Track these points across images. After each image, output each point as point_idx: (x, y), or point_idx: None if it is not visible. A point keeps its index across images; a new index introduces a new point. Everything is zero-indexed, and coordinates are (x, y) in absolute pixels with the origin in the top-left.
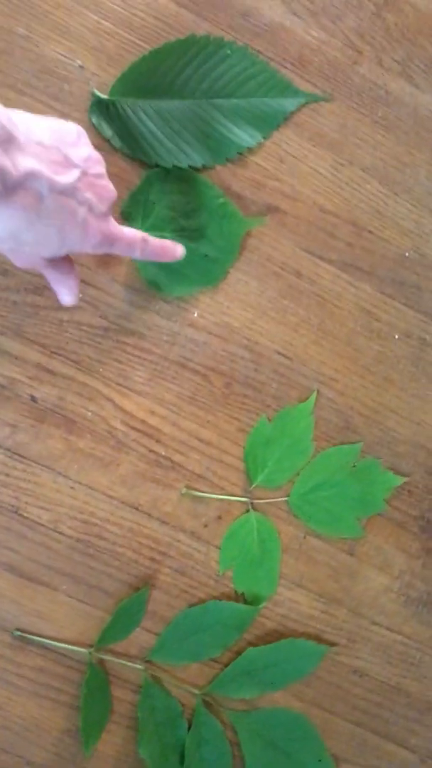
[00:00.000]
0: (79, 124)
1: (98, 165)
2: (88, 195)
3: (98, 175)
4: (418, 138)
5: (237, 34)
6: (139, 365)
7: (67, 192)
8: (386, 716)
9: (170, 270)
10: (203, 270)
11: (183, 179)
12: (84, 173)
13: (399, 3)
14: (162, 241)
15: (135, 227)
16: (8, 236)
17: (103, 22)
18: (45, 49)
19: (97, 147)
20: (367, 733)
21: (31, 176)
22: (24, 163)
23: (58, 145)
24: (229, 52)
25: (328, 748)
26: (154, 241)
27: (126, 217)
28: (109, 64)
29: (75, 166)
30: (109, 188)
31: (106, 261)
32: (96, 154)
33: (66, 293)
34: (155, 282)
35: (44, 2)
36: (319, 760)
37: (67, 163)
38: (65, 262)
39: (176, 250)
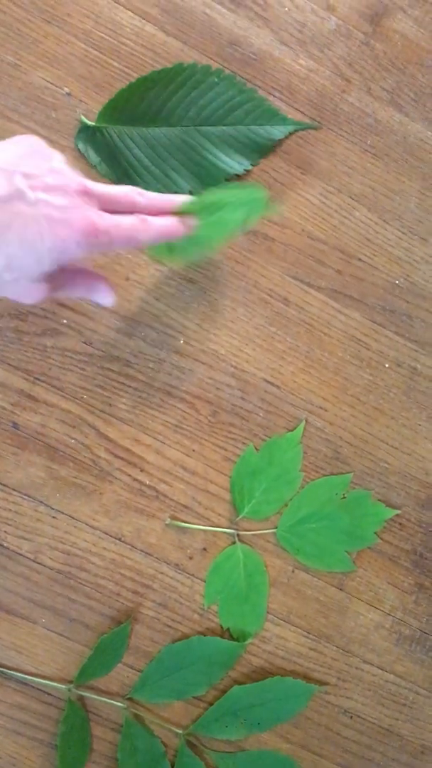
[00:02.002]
0: (65, 150)
1: (49, 161)
2: (39, 193)
3: (50, 171)
4: (407, 166)
5: (225, 63)
6: (124, 392)
7: (13, 197)
8: (378, 760)
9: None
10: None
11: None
12: (29, 176)
13: (388, 32)
14: (165, 219)
15: None
16: None
17: (91, 50)
18: (33, 77)
19: (83, 173)
20: None
21: None
22: None
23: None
24: (216, 80)
25: None
26: (156, 220)
27: None
28: (96, 92)
29: (17, 172)
30: (68, 179)
31: None
32: (50, 154)
33: (99, 297)
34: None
35: (33, 31)
36: None
37: (7, 171)
38: (68, 272)
39: (183, 224)
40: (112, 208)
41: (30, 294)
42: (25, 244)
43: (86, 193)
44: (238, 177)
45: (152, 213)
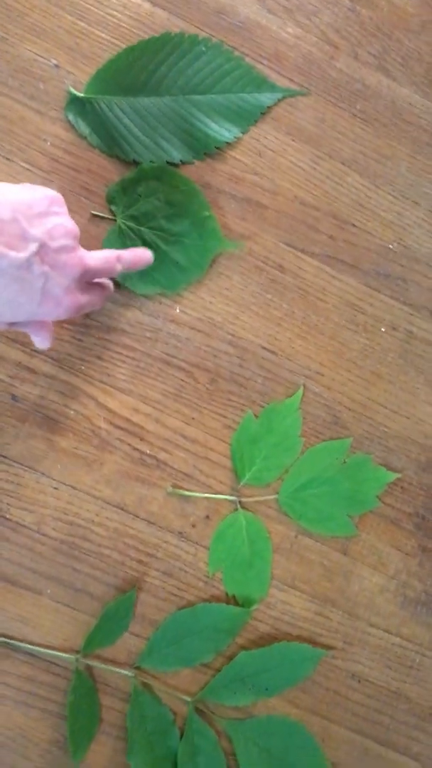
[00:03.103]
0: (56, 123)
1: (64, 237)
2: (46, 268)
3: (61, 248)
4: (397, 130)
5: (212, 32)
6: (122, 362)
7: (21, 266)
8: (386, 723)
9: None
10: (169, 275)
11: (175, 183)
12: (43, 246)
13: None
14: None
15: (116, 212)
16: None
17: (78, 22)
18: (20, 50)
19: (72, 144)
20: (367, 741)
21: None
22: None
23: (18, 218)
24: (203, 48)
25: (327, 756)
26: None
27: (109, 200)
28: (84, 63)
29: (33, 239)
30: (74, 261)
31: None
32: (66, 226)
33: (38, 341)
34: (121, 278)
35: (19, 3)
36: None
37: (24, 237)
38: (32, 323)
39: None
40: (96, 276)
41: None
42: (14, 305)
43: (84, 274)
44: (227, 144)
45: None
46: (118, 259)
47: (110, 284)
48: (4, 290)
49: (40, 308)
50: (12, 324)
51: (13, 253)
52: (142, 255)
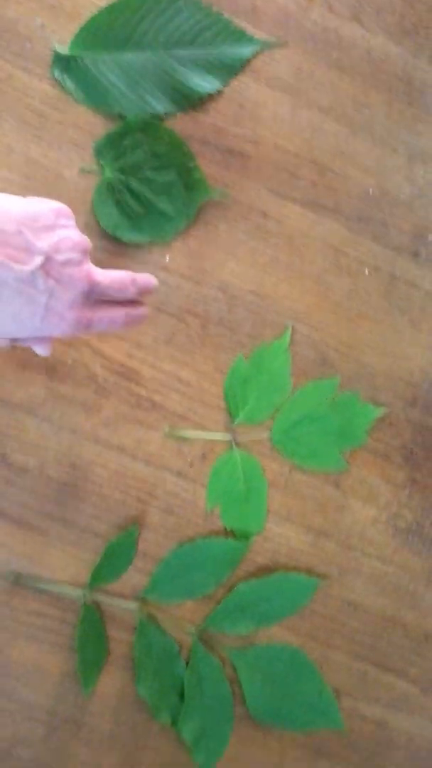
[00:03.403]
0: (42, 80)
1: (71, 250)
2: (51, 283)
3: (68, 262)
4: (373, 79)
5: None
6: None
7: (25, 280)
8: (384, 648)
9: (128, 218)
10: (157, 225)
11: (160, 135)
12: (48, 260)
13: None
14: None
15: (104, 165)
16: None
17: None
18: (5, 10)
19: (60, 100)
20: (366, 666)
21: None
22: None
23: (23, 230)
24: (182, 4)
25: (327, 681)
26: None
27: (97, 154)
28: (68, 21)
29: (38, 252)
30: (81, 275)
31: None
32: (73, 239)
33: (39, 350)
34: (111, 228)
35: None
36: (319, 694)
37: (30, 251)
38: (34, 338)
39: (152, 281)
40: (106, 295)
41: None
42: (17, 320)
43: (91, 290)
44: (209, 96)
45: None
46: (133, 282)
47: (142, 308)
48: (8, 305)
49: (44, 324)
50: (14, 340)
51: (17, 267)
52: (149, 281)
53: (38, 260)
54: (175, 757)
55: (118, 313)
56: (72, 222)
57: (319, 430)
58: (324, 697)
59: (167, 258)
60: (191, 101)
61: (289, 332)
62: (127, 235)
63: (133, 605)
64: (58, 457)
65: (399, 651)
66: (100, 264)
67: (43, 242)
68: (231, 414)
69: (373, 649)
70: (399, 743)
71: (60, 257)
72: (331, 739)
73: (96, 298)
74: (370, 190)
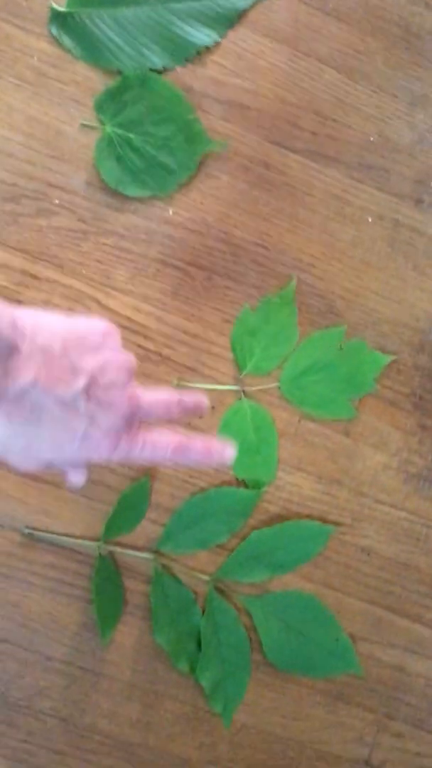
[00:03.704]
0: (40, 37)
1: (115, 372)
2: (92, 407)
3: (110, 384)
4: (370, 26)
5: None
6: (120, 264)
7: (67, 403)
8: (398, 593)
9: (130, 172)
10: (160, 178)
11: (159, 89)
12: (93, 383)
13: None
14: (202, 443)
15: (104, 120)
16: None
17: None
18: None
19: (58, 57)
20: (380, 611)
21: (27, 389)
22: (23, 376)
23: (69, 352)
24: None
25: (343, 627)
26: (194, 444)
27: (97, 109)
28: None
29: (82, 374)
30: (123, 399)
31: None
32: (118, 360)
33: (73, 478)
34: (113, 183)
35: None
36: (336, 640)
37: (74, 372)
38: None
39: (226, 450)
40: (151, 413)
41: (26, 467)
42: (54, 445)
43: (133, 413)
44: (207, 49)
45: (186, 414)
46: (179, 402)
47: (198, 443)
48: (46, 429)
49: (81, 450)
50: (49, 465)
51: (60, 389)
52: (200, 402)
53: (82, 383)
54: (193, 705)
55: (164, 441)
56: (118, 342)
57: (327, 379)
58: (341, 643)
59: (170, 211)
60: (189, 54)
61: (294, 282)
62: (130, 190)
63: (147, 556)
64: None
65: (414, 596)
66: (103, 219)
67: (89, 364)
68: (239, 365)
69: (387, 595)
70: (416, 687)
71: (104, 380)
72: (348, 685)
73: (140, 420)
74: (372, 138)
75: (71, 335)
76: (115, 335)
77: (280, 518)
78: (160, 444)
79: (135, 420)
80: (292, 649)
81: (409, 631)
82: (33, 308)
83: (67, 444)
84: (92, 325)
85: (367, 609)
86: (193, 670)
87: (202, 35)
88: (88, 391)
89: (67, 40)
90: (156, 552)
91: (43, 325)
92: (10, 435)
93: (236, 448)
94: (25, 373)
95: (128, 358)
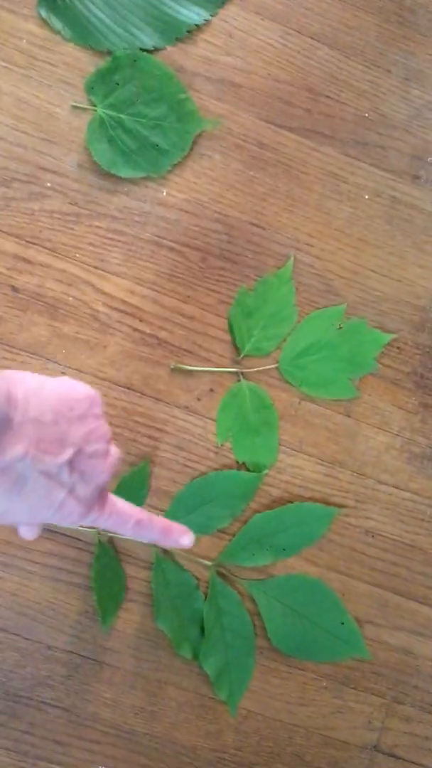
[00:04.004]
0: (28, 20)
1: (99, 441)
2: (75, 477)
3: (94, 453)
4: (362, 1)
5: None
6: (114, 247)
7: (52, 475)
8: (404, 575)
9: (122, 154)
10: (152, 159)
11: (150, 69)
12: (78, 452)
13: None
14: (164, 522)
15: (95, 101)
16: None
17: None
18: None
19: (47, 39)
20: (386, 593)
21: (16, 462)
22: (14, 450)
23: (59, 421)
24: None
25: (349, 610)
26: (156, 521)
27: (88, 91)
28: None
29: (70, 446)
30: (102, 469)
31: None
32: (102, 429)
33: (26, 533)
34: (106, 164)
35: None
36: (342, 623)
37: (62, 444)
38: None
39: (184, 536)
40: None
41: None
42: (30, 511)
43: (106, 481)
44: (198, 27)
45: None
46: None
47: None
48: (26, 497)
49: (54, 517)
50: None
51: (48, 461)
52: (174, 529)
53: (69, 452)
54: (198, 693)
55: (128, 513)
56: (101, 410)
57: (327, 359)
58: (347, 627)
59: (164, 192)
60: (179, 33)
61: (291, 261)
62: (123, 171)
63: (148, 542)
64: None
65: (420, 577)
66: (96, 201)
67: (76, 435)
68: (237, 346)
69: (393, 577)
70: (424, 670)
71: (89, 448)
72: (355, 669)
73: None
74: (366, 114)
75: (61, 405)
76: (99, 402)
77: (282, 501)
78: (124, 515)
79: (105, 491)
80: (297, 633)
81: (416, 614)
82: (21, 372)
83: (44, 511)
84: (79, 392)
85: (372, 592)
86: (196, 656)
87: (192, 14)
88: (72, 462)
89: (56, 22)
90: None
91: (34, 393)
92: None
93: (236, 431)
94: (17, 447)
95: (108, 428)
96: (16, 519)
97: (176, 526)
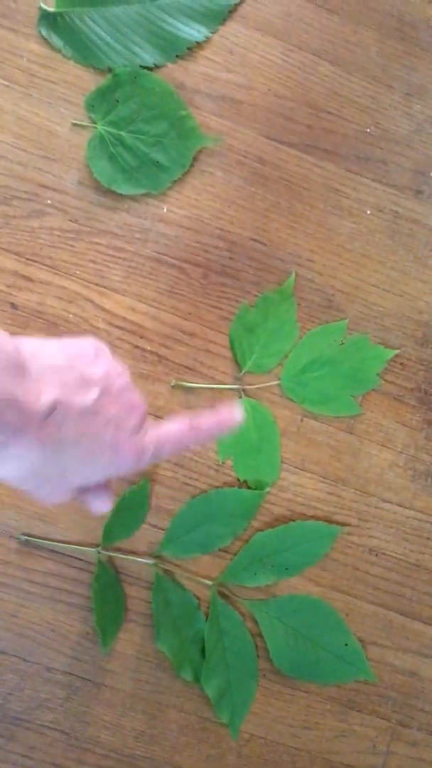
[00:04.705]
0: (29, 39)
1: (120, 377)
2: (113, 411)
3: (122, 389)
4: (362, 17)
5: None
6: (115, 264)
7: (89, 414)
8: (409, 594)
9: (123, 171)
10: (153, 176)
11: (150, 86)
12: (106, 390)
13: None
14: (215, 413)
15: (95, 119)
16: (27, 475)
17: None
18: None
19: (48, 57)
20: (391, 614)
21: (53, 407)
22: (44, 396)
23: (73, 365)
24: None
25: (353, 631)
26: (205, 420)
27: (88, 108)
28: None
29: (94, 384)
30: (136, 400)
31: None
32: (117, 367)
33: (98, 505)
34: (107, 181)
35: None
36: (346, 644)
37: (86, 382)
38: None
39: (232, 413)
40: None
41: (53, 496)
42: (86, 461)
43: (144, 414)
44: (198, 44)
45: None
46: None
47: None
48: (75, 447)
49: (111, 464)
50: (81, 491)
51: (80, 400)
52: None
53: (96, 390)
54: (199, 716)
55: (177, 430)
56: (110, 355)
57: (329, 375)
58: (350, 648)
59: (164, 209)
60: (180, 50)
61: (293, 277)
62: (123, 188)
63: (148, 561)
64: None
65: (425, 597)
66: (96, 218)
67: (96, 373)
68: (238, 363)
69: (397, 597)
70: (431, 692)
71: (114, 384)
72: (359, 691)
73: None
74: (368, 129)
75: (68, 353)
76: (106, 349)
77: (285, 519)
78: (176, 431)
79: (146, 424)
80: (300, 655)
81: (421, 635)
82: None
83: (100, 459)
84: (83, 343)
85: (376, 612)
86: (197, 678)
87: (192, 31)
88: (104, 400)
89: (56, 40)
90: (157, 557)
91: (40, 347)
92: (44, 463)
93: (238, 448)
94: (46, 393)
95: (125, 366)
96: (75, 477)
97: (220, 407)
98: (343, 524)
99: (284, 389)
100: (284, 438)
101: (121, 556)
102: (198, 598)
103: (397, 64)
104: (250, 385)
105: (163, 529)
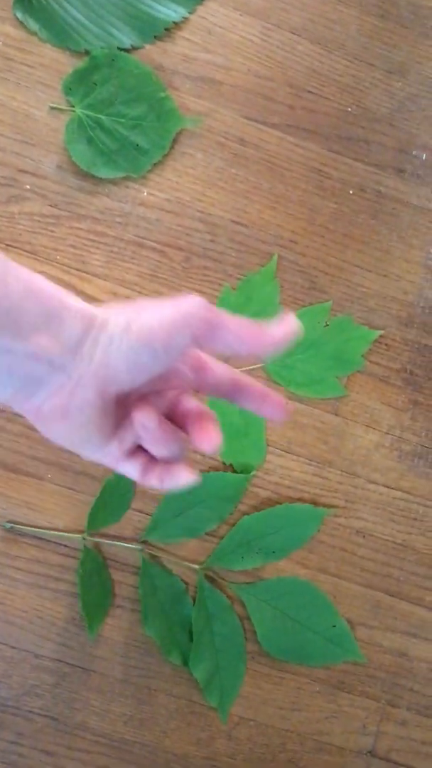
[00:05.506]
0: (5, 22)
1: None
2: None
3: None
4: None
5: None
6: (95, 249)
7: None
8: (396, 575)
9: (102, 154)
10: (132, 159)
11: (128, 68)
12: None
13: None
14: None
15: (73, 102)
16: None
17: None
18: None
19: (24, 41)
20: (379, 594)
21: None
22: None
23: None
24: None
25: (341, 613)
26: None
27: (66, 92)
28: None
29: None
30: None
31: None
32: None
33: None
34: (86, 165)
35: None
36: (334, 626)
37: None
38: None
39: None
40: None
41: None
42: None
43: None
44: (176, 25)
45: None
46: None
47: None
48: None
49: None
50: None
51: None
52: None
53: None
54: (188, 699)
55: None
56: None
57: (314, 357)
58: (339, 629)
59: (145, 192)
60: (157, 31)
61: (275, 259)
62: (103, 171)
63: (135, 547)
64: None
65: (413, 578)
66: (76, 202)
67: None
68: None
69: (385, 578)
70: (420, 672)
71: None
72: (348, 672)
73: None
74: (349, 108)
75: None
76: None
77: (271, 502)
78: (232, 326)
79: None
80: (288, 637)
81: (409, 615)
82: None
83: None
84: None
85: (365, 593)
86: (186, 662)
87: (169, 11)
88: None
89: (32, 23)
90: (143, 542)
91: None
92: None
93: (222, 432)
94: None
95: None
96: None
97: (278, 321)
98: (330, 506)
99: (269, 372)
100: (270, 421)
101: (107, 542)
102: (185, 583)
103: (378, 42)
104: (234, 368)
105: (149, 514)
